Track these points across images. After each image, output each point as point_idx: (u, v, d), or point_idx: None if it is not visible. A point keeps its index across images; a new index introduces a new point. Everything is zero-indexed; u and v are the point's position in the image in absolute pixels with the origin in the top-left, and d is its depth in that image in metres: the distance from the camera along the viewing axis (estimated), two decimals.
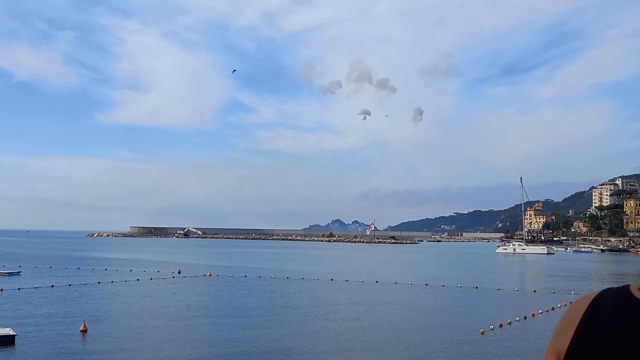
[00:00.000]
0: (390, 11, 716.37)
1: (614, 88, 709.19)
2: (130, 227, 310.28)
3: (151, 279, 58.85)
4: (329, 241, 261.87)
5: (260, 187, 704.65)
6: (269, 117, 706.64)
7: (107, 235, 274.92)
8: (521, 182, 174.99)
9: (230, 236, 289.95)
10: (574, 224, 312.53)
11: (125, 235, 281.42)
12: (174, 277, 62.46)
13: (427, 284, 57.44)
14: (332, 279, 61.40)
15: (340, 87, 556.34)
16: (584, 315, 1.21)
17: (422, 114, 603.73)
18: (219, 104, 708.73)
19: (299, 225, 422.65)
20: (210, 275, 64.94)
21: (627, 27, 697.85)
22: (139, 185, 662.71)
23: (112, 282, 54.80)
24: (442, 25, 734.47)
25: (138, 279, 57.68)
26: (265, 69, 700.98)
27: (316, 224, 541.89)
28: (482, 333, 30.14)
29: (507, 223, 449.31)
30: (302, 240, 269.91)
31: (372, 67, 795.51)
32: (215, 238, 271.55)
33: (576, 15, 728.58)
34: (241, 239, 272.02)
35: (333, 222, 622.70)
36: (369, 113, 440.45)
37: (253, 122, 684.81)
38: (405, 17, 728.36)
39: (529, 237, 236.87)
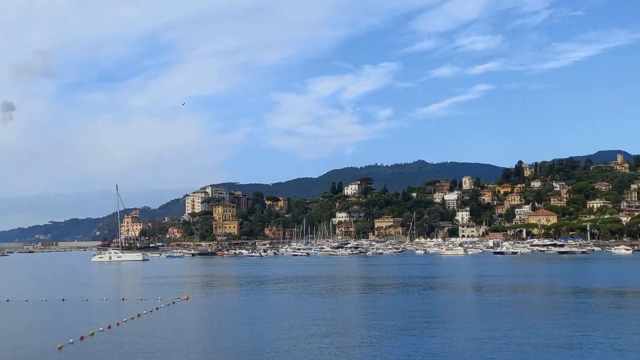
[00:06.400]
0: None
1: (203, 102, 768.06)
2: None
3: None
4: None
5: None
6: None
7: None
8: (117, 189, 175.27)
9: None
10: (169, 230, 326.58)
11: None
12: None
13: (8, 300, 53.04)
14: None
15: None
16: None
17: (13, 109, 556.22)
18: None
19: None
20: None
21: (213, 47, 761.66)
22: None
23: None
24: (32, 25, 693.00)
25: None
26: None
27: None
28: (60, 348, 29.12)
29: (106, 231, 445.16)
30: None
31: None
32: None
33: (168, 30, 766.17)
34: None
35: None
36: None
37: None
38: None
39: (127, 245, 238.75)
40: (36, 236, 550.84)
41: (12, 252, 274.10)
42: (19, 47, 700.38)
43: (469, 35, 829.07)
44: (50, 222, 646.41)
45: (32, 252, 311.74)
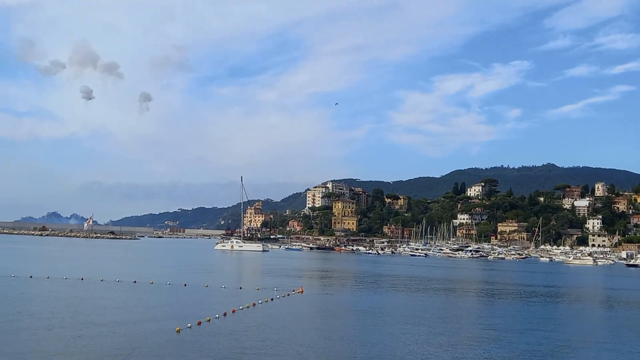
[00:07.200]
0: None
1: (328, 98, 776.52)
2: None
3: None
4: (41, 235, 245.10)
5: None
6: None
7: None
8: (241, 181, 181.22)
9: None
10: (290, 222, 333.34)
11: None
12: None
13: (135, 282, 55.65)
14: (31, 277, 56.37)
15: (64, 68, 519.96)
16: None
17: (150, 100, 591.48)
18: None
19: (9, 217, 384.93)
20: None
21: (339, 44, 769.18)
22: None
23: None
24: (171, 20, 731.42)
25: None
26: None
27: (30, 217, 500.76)
28: (178, 331, 29.83)
29: (230, 220, 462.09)
30: (9, 233, 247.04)
31: (99, 52, 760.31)
32: None
33: (297, 27, 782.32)
34: None
35: (49, 214, 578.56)
36: (91, 93, 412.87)
37: None
38: (131, 6, 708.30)
39: (248, 235, 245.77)
40: (165, 222, 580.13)
41: (143, 236, 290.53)
42: (158, 42, 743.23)
43: (609, 34, 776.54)
44: (179, 209, 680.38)
45: (161, 237, 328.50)
